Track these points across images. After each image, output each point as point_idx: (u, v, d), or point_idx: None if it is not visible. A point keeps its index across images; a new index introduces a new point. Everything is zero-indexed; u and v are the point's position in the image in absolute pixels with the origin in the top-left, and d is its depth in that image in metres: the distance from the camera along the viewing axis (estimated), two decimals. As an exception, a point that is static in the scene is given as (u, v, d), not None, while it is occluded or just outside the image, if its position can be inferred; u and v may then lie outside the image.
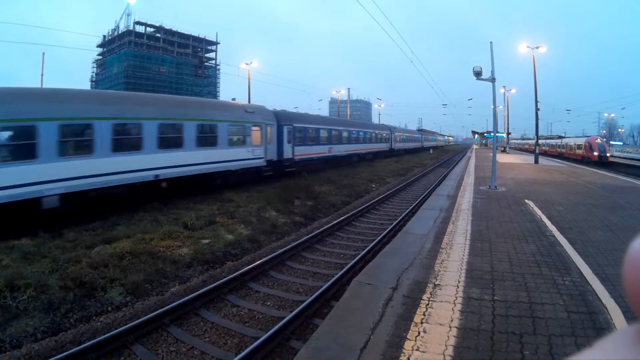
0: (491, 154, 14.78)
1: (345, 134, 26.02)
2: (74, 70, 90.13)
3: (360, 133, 29.69)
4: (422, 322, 3.60)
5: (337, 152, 24.20)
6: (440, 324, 3.55)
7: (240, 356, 4.05)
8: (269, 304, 5.73)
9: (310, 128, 20.92)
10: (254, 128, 15.39)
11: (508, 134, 48.24)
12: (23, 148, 8.40)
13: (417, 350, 3.15)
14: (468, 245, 6.09)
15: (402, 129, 53.29)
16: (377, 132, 34.61)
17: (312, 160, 20.83)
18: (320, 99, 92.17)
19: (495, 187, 12.51)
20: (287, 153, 18.02)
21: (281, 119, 17.88)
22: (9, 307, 4.98)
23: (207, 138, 13.08)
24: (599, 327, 3.47)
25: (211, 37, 69.14)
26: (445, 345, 3.19)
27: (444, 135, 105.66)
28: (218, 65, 69.10)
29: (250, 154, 15.01)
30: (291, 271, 7.07)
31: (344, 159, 25.63)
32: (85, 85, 60.36)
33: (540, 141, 31.14)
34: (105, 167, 9.76)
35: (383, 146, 35.72)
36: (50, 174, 8.65)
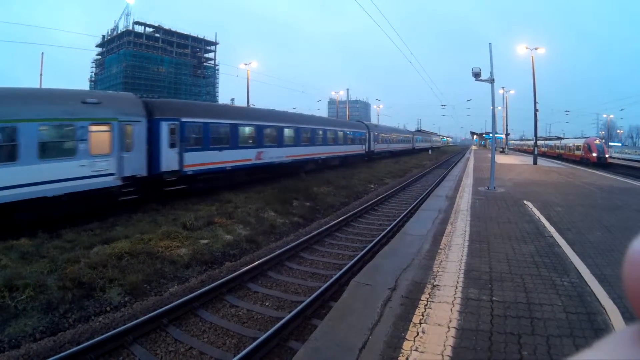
0: (490, 155, 14.81)
1: (289, 133, 18.88)
2: (73, 70, 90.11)
3: (319, 132, 22.10)
4: (420, 323, 3.61)
5: (273, 159, 17.34)
6: (439, 325, 3.56)
7: (238, 356, 4.05)
8: (267, 304, 5.73)
9: (215, 124, 14.11)
10: (94, 128, 10.04)
11: (507, 135, 48.42)
12: None
13: (415, 350, 3.15)
14: (466, 246, 6.10)
15: (386, 127, 44.40)
16: (345, 130, 26.79)
17: (222, 172, 14.26)
18: (319, 99, 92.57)
19: (494, 188, 12.54)
20: (169, 163, 12.00)
21: (158, 111, 11.95)
22: (7, 307, 4.98)
23: None
24: (597, 328, 3.48)
25: (210, 38, 69.30)
26: (444, 346, 3.20)
27: (441, 136, 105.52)
28: (217, 65, 69.28)
29: (86, 169, 9.74)
30: (290, 272, 7.07)
31: (288, 167, 18.64)
32: (85, 85, 60.40)
33: (539, 142, 31.20)
34: None
35: (356, 149, 28.63)
36: None
